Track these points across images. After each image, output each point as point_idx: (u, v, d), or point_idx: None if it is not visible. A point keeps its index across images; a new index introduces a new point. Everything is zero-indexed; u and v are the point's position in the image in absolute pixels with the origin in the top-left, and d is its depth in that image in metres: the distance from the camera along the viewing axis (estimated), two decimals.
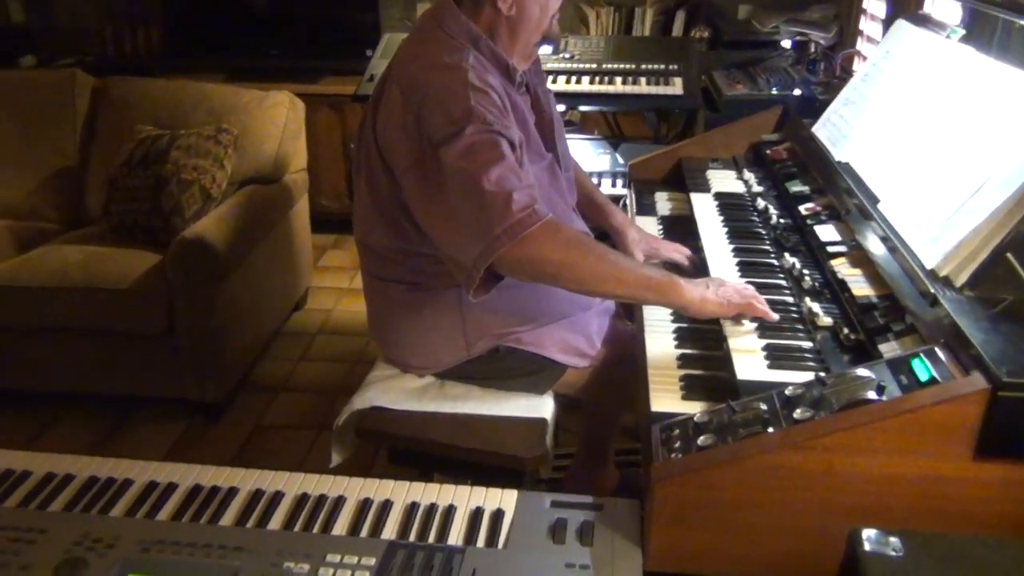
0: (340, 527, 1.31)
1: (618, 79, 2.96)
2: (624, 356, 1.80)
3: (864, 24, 3.29)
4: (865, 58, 2.93)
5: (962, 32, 1.92)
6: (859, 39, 3.30)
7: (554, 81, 2.93)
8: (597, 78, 2.97)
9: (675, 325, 1.66)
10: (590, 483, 2.20)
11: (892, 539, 0.98)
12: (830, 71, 2.90)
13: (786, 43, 3.43)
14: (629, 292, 1.56)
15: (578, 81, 2.96)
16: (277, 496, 1.36)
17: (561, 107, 2.97)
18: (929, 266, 1.35)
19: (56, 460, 1.46)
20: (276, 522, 1.31)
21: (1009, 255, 1.33)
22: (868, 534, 0.98)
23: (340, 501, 1.35)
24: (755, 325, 1.52)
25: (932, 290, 1.28)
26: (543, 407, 1.79)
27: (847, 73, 2.84)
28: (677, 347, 1.58)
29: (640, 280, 1.54)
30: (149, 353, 2.80)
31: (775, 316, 1.52)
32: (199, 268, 2.69)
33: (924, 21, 2.05)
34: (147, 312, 2.71)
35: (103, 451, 2.69)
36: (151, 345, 2.78)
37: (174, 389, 2.84)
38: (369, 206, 1.72)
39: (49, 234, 3.13)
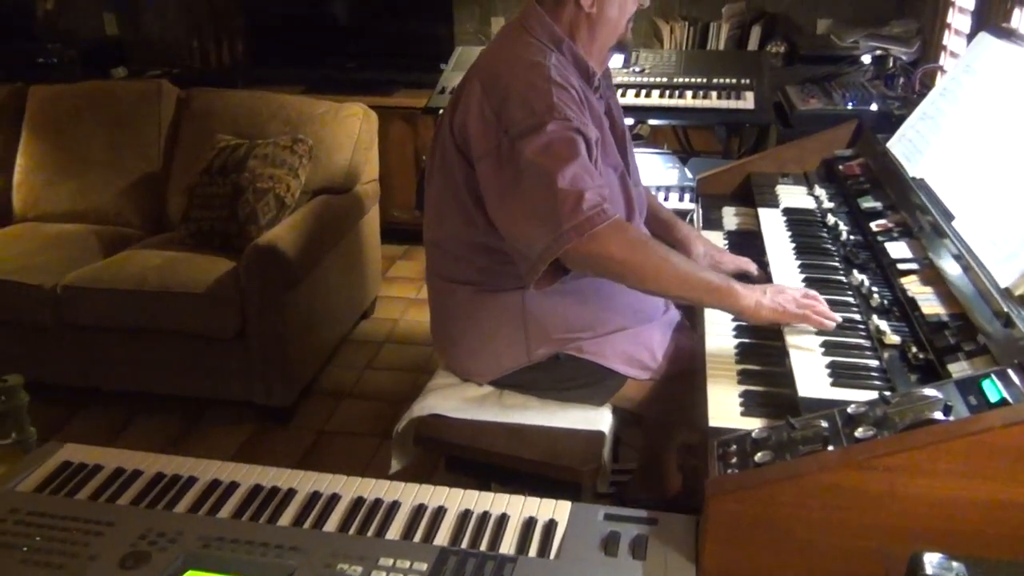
0: (394, 531, 1.32)
1: (688, 93, 2.94)
2: (685, 371, 1.78)
3: (948, 39, 3.20)
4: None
5: None
6: (942, 54, 3.21)
7: (624, 95, 2.92)
8: (667, 92, 2.96)
9: (737, 340, 1.63)
10: (650, 497, 2.18)
11: (956, 564, 0.94)
12: (909, 86, 2.83)
13: (866, 58, 3.35)
14: (688, 293, 1.60)
15: (648, 95, 2.95)
16: (334, 499, 1.38)
17: (630, 120, 2.97)
18: (1004, 284, 1.30)
19: (126, 456, 1.51)
20: (332, 524, 1.33)
21: None
22: (930, 559, 0.94)
23: (395, 506, 1.37)
24: (820, 341, 1.49)
25: (1006, 309, 1.24)
26: (601, 420, 1.78)
27: (927, 88, 2.75)
28: (738, 362, 1.56)
29: (700, 283, 1.58)
30: (221, 357, 2.87)
31: (831, 325, 1.51)
32: (271, 274, 2.76)
33: (1008, 34, 1.98)
34: (219, 316, 2.79)
35: (175, 451, 2.77)
36: (223, 349, 2.85)
37: (244, 392, 2.91)
38: (443, 198, 1.76)
39: (132, 239, 3.26)
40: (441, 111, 2.19)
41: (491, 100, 1.61)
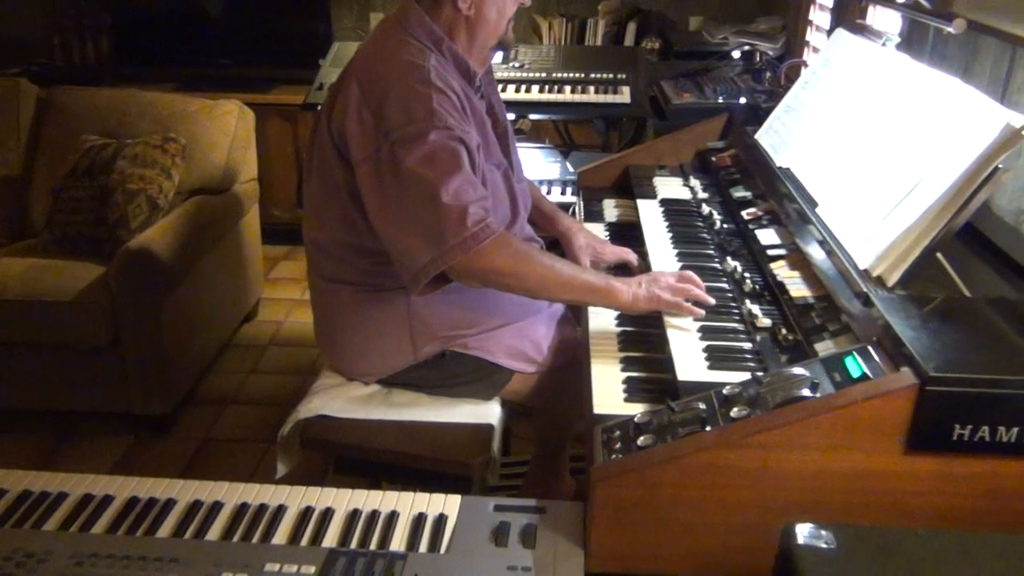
0: (280, 536, 1.29)
1: (567, 88, 2.98)
2: (571, 362, 1.80)
3: (810, 35, 3.35)
4: None
5: (897, 40, 1.97)
6: (806, 50, 3.36)
7: (504, 90, 2.93)
8: (547, 87, 2.99)
9: (619, 329, 1.67)
10: (546, 494, 2.20)
11: (825, 532, 0.98)
12: (775, 80, 2.95)
13: (735, 54, 3.48)
14: (572, 297, 1.66)
15: (528, 90, 2.98)
16: (216, 507, 1.34)
17: (511, 115, 2.98)
18: (863, 266, 1.37)
19: None
20: (214, 533, 1.30)
21: (939, 255, 1.37)
22: (802, 528, 0.99)
23: (280, 510, 1.34)
24: (697, 327, 1.53)
25: (865, 290, 1.31)
26: (489, 413, 1.79)
27: (792, 82, 2.87)
28: (621, 350, 1.59)
29: (582, 286, 1.62)
30: (94, 367, 2.74)
31: (700, 313, 1.57)
32: (144, 279, 2.65)
33: (862, 30, 2.10)
34: (91, 325, 2.66)
35: (45, 468, 2.62)
36: (96, 358, 2.72)
37: (120, 403, 2.78)
38: (321, 200, 1.72)
39: None
40: (319, 107, 2.14)
41: (369, 102, 1.58)
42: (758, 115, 2.28)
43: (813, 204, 1.67)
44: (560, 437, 2.19)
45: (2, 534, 1.27)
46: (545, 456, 2.20)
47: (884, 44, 1.90)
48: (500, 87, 2.91)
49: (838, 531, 0.99)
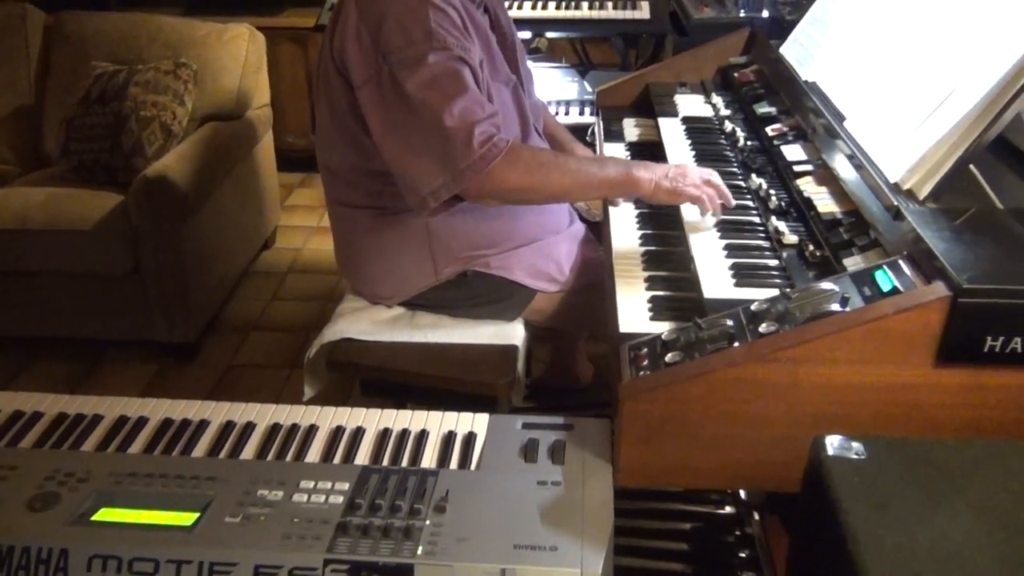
0: (313, 455, 1.32)
1: (584, 4, 2.92)
2: (593, 283, 1.80)
3: None
4: None
5: None
6: None
7: (520, 7, 2.88)
8: (563, 3, 2.92)
9: (643, 248, 1.66)
10: (568, 377, 2.28)
11: (855, 444, 0.99)
12: None
13: None
14: (593, 195, 1.76)
15: (544, 6, 2.92)
16: (249, 427, 1.37)
17: (527, 33, 2.93)
18: (893, 180, 1.35)
19: (24, 399, 1.45)
20: (249, 452, 1.33)
21: (971, 166, 1.34)
22: (831, 439, 0.99)
23: (312, 430, 1.36)
24: (723, 244, 1.52)
25: (896, 203, 1.29)
26: (513, 334, 1.79)
27: None
28: (644, 269, 1.58)
29: (602, 183, 1.64)
30: (116, 295, 2.77)
31: (720, 208, 1.59)
32: (163, 207, 2.65)
33: None
34: (112, 253, 2.68)
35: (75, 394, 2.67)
36: (118, 286, 2.75)
37: (144, 331, 2.82)
38: (330, 126, 1.71)
39: (7, 176, 3.05)
40: None
41: (367, 23, 1.54)
42: (782, 28, 2.21)
43: (841, 118, 1.63)
44: (576, 342, 2.24)
45: (42, 455, 1.30)
46: (562, 356, 2.27)
47: None
48: (516, 4, 2.85)
49: (868, 442, 1.00)
